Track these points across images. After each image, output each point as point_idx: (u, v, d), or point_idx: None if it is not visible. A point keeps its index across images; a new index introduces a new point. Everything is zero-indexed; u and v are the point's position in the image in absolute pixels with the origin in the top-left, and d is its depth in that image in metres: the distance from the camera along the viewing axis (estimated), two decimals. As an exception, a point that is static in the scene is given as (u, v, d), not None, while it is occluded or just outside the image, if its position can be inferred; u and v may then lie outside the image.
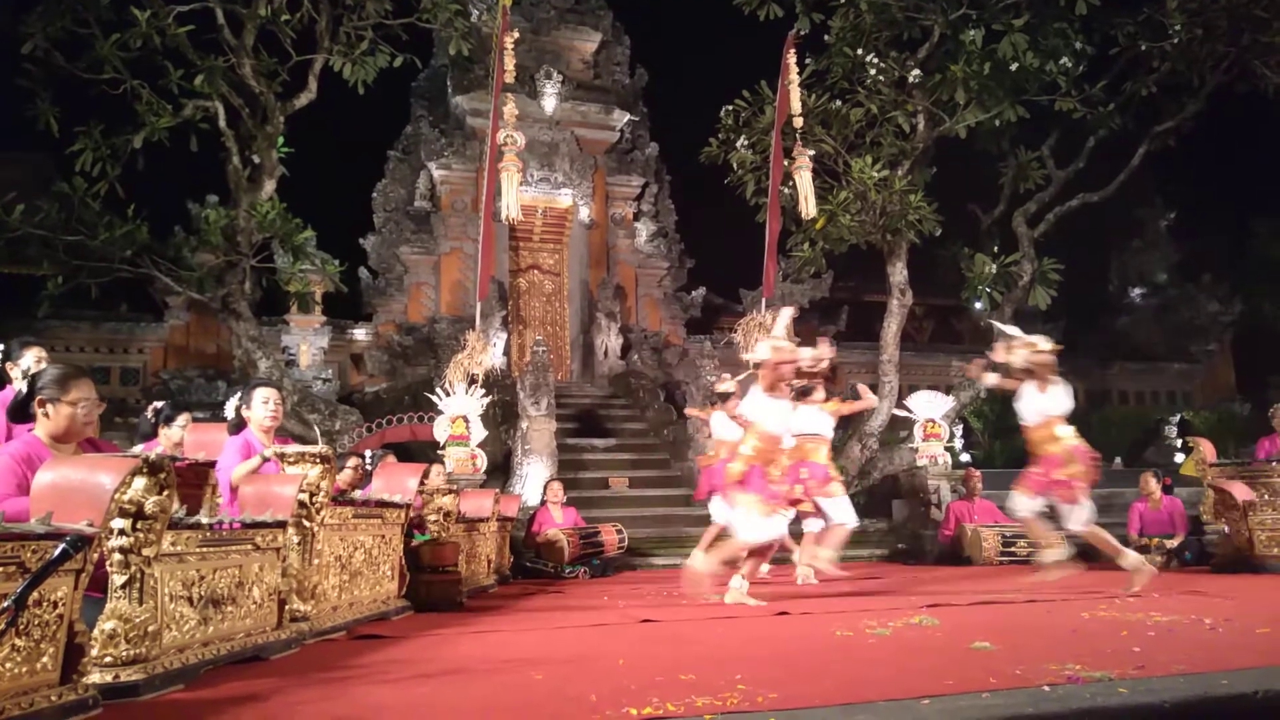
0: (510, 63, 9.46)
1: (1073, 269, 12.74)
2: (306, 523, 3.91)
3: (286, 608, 3.73)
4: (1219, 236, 22.46)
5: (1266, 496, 7.44)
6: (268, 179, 10.77)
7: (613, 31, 17.47)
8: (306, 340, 14.35)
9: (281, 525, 3.73)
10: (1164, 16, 10.98)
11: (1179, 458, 14.34)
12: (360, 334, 15.47)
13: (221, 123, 10.50)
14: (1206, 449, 8.22)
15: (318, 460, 4.06)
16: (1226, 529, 7.63)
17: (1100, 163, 12.58)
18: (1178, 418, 17.75)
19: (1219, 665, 2.77)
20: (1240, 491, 7.58)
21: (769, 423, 5.36)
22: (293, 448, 4.24)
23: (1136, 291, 23.25)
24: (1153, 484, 8.97)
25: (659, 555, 9.44)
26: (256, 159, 10.83)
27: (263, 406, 4.63)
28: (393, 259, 15.75)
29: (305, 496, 3.88)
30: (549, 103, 15.85)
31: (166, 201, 12.49)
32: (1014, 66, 10.56)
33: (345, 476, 6.41)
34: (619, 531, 9.03)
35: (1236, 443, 13.74)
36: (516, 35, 9.85)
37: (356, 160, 17.54)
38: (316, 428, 10.67)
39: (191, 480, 4.22)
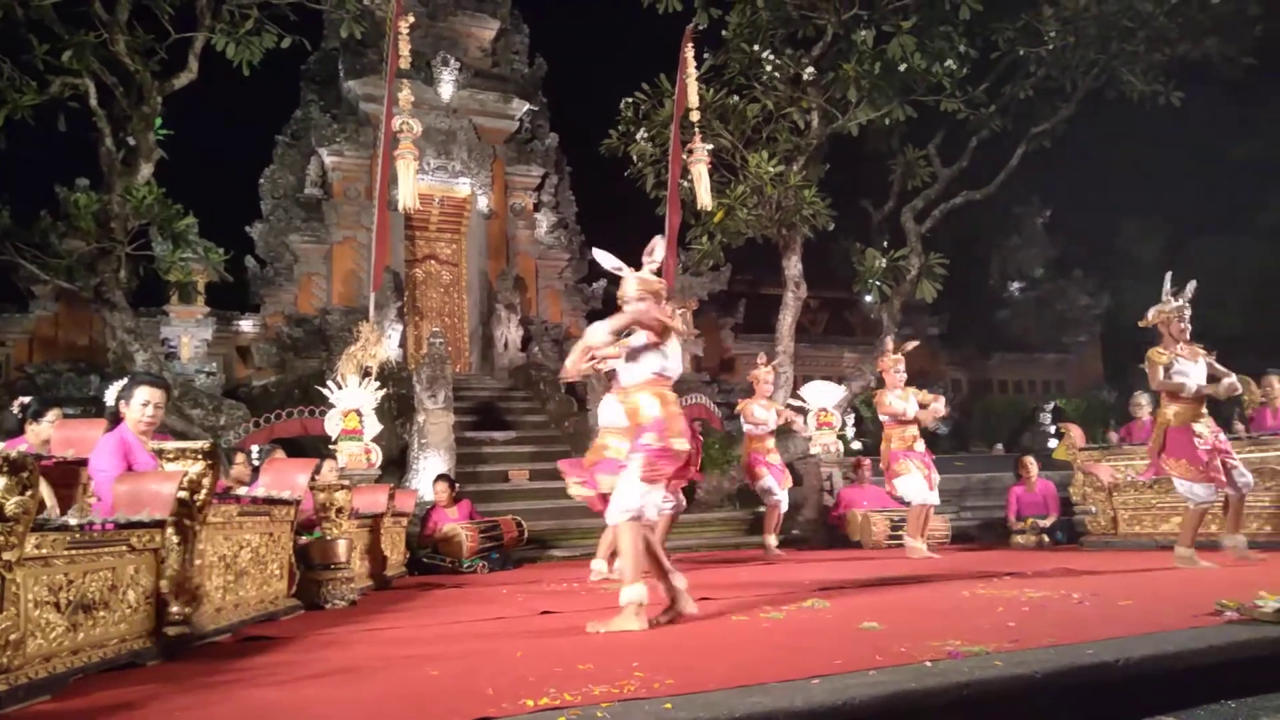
0: (405, 48, 9.21)
1: (957, 263, 13.28)
2: (188, 522, 3.73)
3: (166, 611, 3.56)
4: (1089, 233, 23.88)
5: (1129, 478, 7.98)
6: (144, 162, 10.19)
7: (511, 20, 17.27)
8: (188, 332, 13.73)
9: (160, 525, 3.56)
10: (1040, 23, 11.53)
11: (1053, 443, 15.16)
12: (247, 325, 14.87)
13: (93, 101, 9.86)
14: (1076, 434, 8.78)
15: (199, 456, 3.88)
16: (1094, 509, 8.14)
17: (982, 162, 13.13)
18: (1051, 405, 18.79)
19: (1085, 636, 2.95)
20: (1106, 474, 8.12)
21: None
22: (172, 444, 4.03)
23: (1015, 285, 24.53)
24: (1030, 468, 9.49)
25: (560, 547, 9.42)
26: (132, 141, 10.21)
27: (141, 409, 4.22)
28: (282, 248, 15.19)
29: (186, 494, 3.70)
30: (446, 90, 15.55)
31: (31, 185, 11.75)
32: (903, 67, 10.93)
33: (232, 473, 6.16)
34: (519, 524, 8.96)
35: (1104, 428, 14.62)
36: (412, 20, 9.59)
37: (242, 145, 16.90)
38: (199, 424, 10.23)
39: (61, 480, 3.99)
